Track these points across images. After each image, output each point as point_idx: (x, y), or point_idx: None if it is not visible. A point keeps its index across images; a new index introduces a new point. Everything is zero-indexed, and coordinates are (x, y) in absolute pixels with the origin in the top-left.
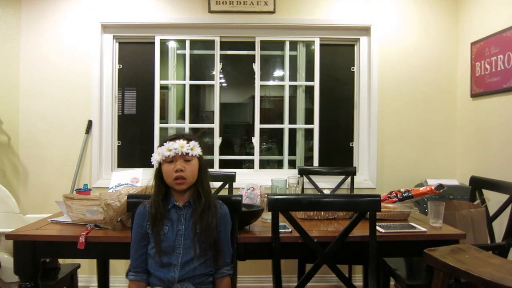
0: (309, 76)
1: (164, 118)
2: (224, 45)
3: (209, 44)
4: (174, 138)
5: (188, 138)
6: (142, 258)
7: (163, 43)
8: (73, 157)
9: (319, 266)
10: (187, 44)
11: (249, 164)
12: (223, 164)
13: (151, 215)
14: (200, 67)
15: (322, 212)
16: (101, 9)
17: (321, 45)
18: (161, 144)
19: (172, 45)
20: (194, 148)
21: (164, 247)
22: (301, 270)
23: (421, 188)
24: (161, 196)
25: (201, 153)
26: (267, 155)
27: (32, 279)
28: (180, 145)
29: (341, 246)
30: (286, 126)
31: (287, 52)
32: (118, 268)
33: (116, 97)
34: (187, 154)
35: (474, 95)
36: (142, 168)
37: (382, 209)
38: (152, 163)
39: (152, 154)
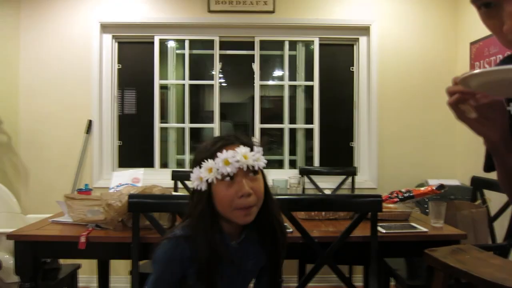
0: (309, 76)
1: (164, 118)
2: (224, 45)
3: (209, 44)
4: (227, 143)
5: (248, 143)
6: None
7: (163, 43)
8: (74, 157)
9: (320, 266)
10: (187, 44)
11: None
12: None
13: (205, 259)
14: (199, 67)
15: (323, 212)
16: (101, 9)
17: (320, 45)
18: (204, 154)
19: (171, 44)
20: (260, 159)
21: None
22: (301, 271)
23: (422, 188)
24: (216, 231)
25: (265, 164)
26: (267, 155)
27: (32, 279)
28: (244, 155)
29: (342, 247)
30: (286, 126)
31: (286, 52)
32: (119, 268)
33: (116, 97)
34: (253, 168)
35: None
36: (143, 168)
37: (383, 209)
38: (194, 185)
39: (193, 170)
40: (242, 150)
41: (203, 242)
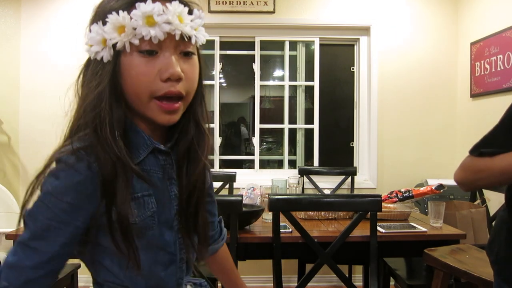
0: (309, 76)
1: None
2: (224, 45)
3: (209, 44)
4: None
5: (184, 1)
6: (52, 276)
7: None
8: None
9: (320, 266)
10: None
11: (249, 164)
12: (223, 164)
13: (110, 177)
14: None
15: (323, 212)
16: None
17: (321, 45)
18: (113, 1)
19: None
20: (200, 29)
21: (154, 236)
22: (301, 270)
23: (422, 188)
24: (120, 132)
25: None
26: (267, 155)
27: None
28: (178, 15)
29: (342, 246)
30: (286, 126)
31: (287, 52)
32: None
33: None
34: (189, 39)
35: (474, 95)
36: None
37: (382, 209)
38: (91, 52)
39: (90, 28)
40: (177, 7)
41: (109, 142)
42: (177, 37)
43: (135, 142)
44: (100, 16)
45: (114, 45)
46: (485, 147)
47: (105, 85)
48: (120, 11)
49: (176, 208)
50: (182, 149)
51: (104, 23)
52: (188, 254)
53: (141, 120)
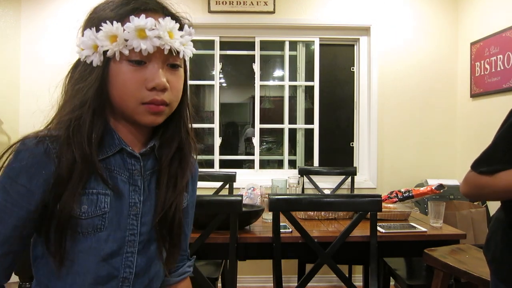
0: (309, 76)
1: None
2: (224, 45)
3: (209, 44)
4: (146, 7)
5: (176, 16)
6: (12, 257)
7: None
8: None
9: (320, 266)
10: None
11: (249, 164)
12: (223, 164)
13: (66, 167)
14: (200, 67)
15: (323, 212)
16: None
17: (321, 45)
18: (108, 12)
19: None
20: (188, 44)
21: (99, 241)
22: (301, 270)
23: (422, 188)
24: (99, 129)
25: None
26: (267, 155)
27: (32, 279)
28: (169, 31)
29: (342, 246)
30: (286, 126)
31: (286, 52)
32: None
33: None
34: (177, 53)
35: (474, 95)
36: None
37: (382, 209)
38: (82, 54)
39: (83, 32)
40: (168, 23)
41: (71, 140)
42: (166, 52)
43: (106, 142)
44: (94, 22)
45: (105, 52)
46: (485, 163)
47: (91, 89)
48: (114, 22)
49: (133, 217)
50: (166, 157)
51: (98, 30)
52: (145, 273)
53: (123, 124)
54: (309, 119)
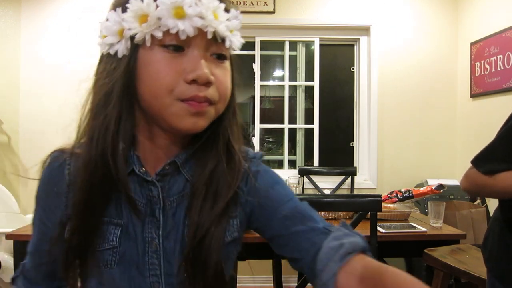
0: (309, 76)
1: None
2: None
3: None
4: None
5: None
6: (46, 268)
7: None
8: None
9: None
10: None
11: None
12: None
13: (79, 188)
14: None
15: (323, 212)
16: (101, 9)
17: (321, 45)
18: None
19: None
20: (234, 32)
21: (112, 279)
22: None
23: (422, 188)
24: (127, 137)
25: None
26: (267, 155)
27: None
28: (213, 11)
29: None
30: (286, 126)
31: (287, 52)
32: None
33: None
34: (222, 41)
35: (474, 95)
36: None
37: (382, 209)
38: (104, 47)
39: (107, 16)
40: (212, 1)
41: (93, 152)
42: (209, 35)
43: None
44: (120, 1)
45: (132, 37)
46: (486, 162)
47: (116, 85)
48: None
49: (153, 255)
50: (200, 179)
51: (124, 10)
52: None
53: (154, 131)
54: (309, 119)
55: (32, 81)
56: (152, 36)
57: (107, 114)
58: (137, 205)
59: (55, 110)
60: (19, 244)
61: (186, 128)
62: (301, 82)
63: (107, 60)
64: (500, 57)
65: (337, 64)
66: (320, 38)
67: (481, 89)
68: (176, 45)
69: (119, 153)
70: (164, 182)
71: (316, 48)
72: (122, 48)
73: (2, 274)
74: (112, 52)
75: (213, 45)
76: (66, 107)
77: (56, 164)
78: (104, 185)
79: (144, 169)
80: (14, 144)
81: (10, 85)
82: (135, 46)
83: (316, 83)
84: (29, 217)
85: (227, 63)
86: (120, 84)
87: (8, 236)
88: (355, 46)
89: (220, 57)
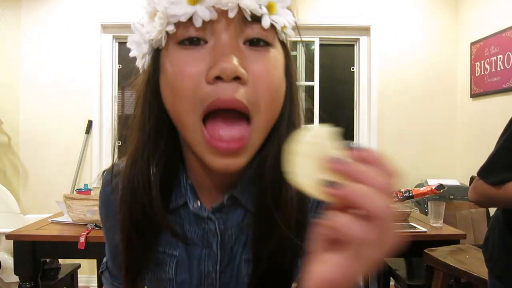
0: (309, 76)
1: None
2: None
3: None
4: None
5: None
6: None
7: None
8: (74, 157)
9: None
10: None
11: None
12: None
13: (124, 217)
14: None
15: None
16: (101, 9)
17: (321, 45)
18: None
19: None
20: (277, 7)
21: None
22: None
23: (422, 188)
24: (160, 164)
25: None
26: None
27: (32, 279)
28: None
29: None
30: None
31: None
32: None
33: (116, 97)
34: (257, 20)
35: (474, 95)
36: None
37: None
38: (139, 62)
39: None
40: None
41: (136, 178)
42: (232, 14)
43: (177, 186)
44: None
45: (150, 42)
46: (491, 171)
47: (142, 103)
48: None
49: (209, 287)
50: (258, 205)
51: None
52: None
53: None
54: (309, 119)
55: (32, 81)
56: (167, 34)
57: (141, 136)
58: (192, 238)
59: (55, 110)
60: (19, 244)
61: (217, 169)
62: (301, 82)
63: (140, 77)
64: (500, 57)
65: (337, 64)
66: (320, 38)
67: (481, 89)
68: (192, 38)
69: (151, 184)
70: (222, 213)
71: (316, 48)
72: (145, 60)
73: (2, 274)
74: (140, 65)
75: (245, 28)
76: (66, 107)
77: (108, 190)
78: (146, 217)
79: (199, 203)
80: (14, 144)
81: (10, 85)
82: (156, 53)
83: (316, 83)
84: (29, 217)
85: (272, 52)
86: (143, 101)
87: (8, 236)
88: (355, 46)
89: (255, 43)
